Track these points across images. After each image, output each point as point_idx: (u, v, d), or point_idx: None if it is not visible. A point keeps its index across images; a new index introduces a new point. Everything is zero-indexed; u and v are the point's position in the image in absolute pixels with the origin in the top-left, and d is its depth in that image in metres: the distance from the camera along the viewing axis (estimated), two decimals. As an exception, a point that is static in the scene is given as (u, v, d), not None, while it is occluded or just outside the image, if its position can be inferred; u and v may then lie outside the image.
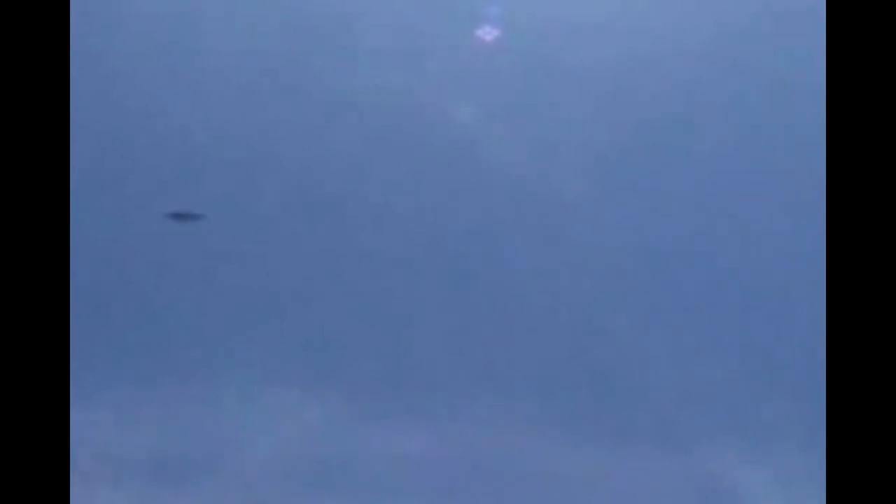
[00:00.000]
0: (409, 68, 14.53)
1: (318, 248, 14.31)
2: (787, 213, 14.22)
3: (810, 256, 12.92)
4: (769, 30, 14.53)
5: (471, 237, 14.40)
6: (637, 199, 14.48)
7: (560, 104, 14.63)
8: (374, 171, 14.48)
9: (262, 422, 13.63)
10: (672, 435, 13.48)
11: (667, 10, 14.65)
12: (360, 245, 14.27)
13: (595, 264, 14.24)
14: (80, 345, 10.36)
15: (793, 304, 13.88)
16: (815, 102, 11.11)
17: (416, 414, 13.53)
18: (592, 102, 14.61)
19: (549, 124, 14.60)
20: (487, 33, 14.63)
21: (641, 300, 14.13)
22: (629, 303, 14.11)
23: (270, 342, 13.96)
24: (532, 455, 13.39)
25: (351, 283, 14.18)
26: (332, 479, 13.38)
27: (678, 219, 14.43)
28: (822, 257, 8.91)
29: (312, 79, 14.61)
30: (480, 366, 13.88)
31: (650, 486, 13.38)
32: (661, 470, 13.35)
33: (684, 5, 14.68)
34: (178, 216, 13.80)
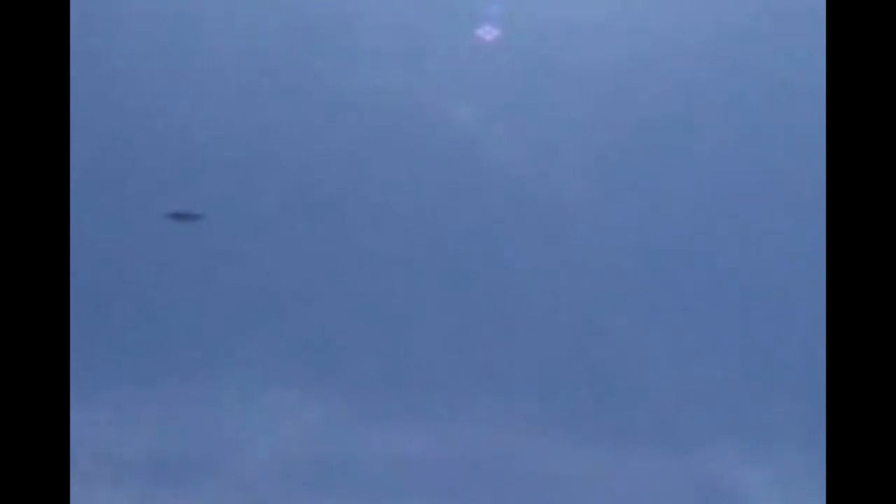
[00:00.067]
0: (409, 68, 14.53)
1: (318, 248, 14.31)
2: (787, 213, 14.22)
3: (810, 256, 12.92)
4: (769, 30, 14.53)
5: (471, 237, 14.40)
6: (637, 199, 14.48)
7: (560, 104, 14.63)
8: (374, 171, 14.48)
9: (262, 422, 13.63)
10: (672, 435, 13.48)
11: (667, 10, 14.65)
12: (360, 245, 14.26)
13: (595, 264, 14.24)
14: (80, 345, 10.36)
15: (793, 304, 13.88)
16: (815, 102, 11.11)
17: (416, 414, 13.53)
18: (592, 102, 14.61)
19: (549, 124, 14.60)
20: (487, 33, 14.63)
21: (641, 300, 14.13)
22: (629, 303, 14.11)
23: (270, 342, 13.96)
24: (532, 455, 13.39)
25: (351, 283, 14.18)
26: (332, 479, 13.38)
27: (678, 219, 14.43)
28: (822, 257, 8.90)
29: (312, 79, 14.61)
30: (480, 366, 13.88)
31: (650, 487, 13.38)
32: (661, 470, 13.35)
33: (684, 5, 14.68)
34: (178, 216, 13.80)
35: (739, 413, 13.61)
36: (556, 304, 14.17)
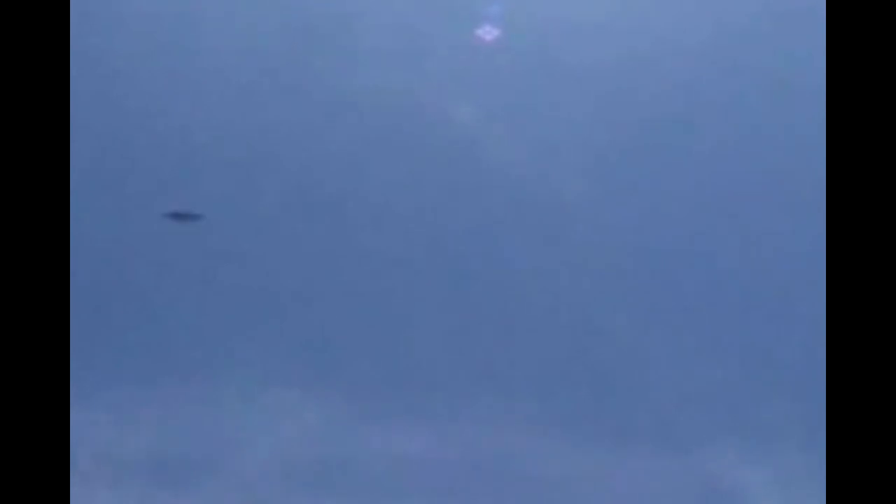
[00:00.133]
0: (409, 68, 14.53)
1: (318, 248, 14.31)
2: (787, 213, 14.22)
3: (810, 256, 12.92)
4: (769, 30, 14.53)
5: (471, 237, 14.40)
6: (637, 199, 14.48)
7: (560, 104, 14.63)
8: (375, 170, 14.48)
9: (262, 422, 13.63)
10: (673, 435, 13.48)
11: (667, 11, 14.66)
12: (360, 245, 14.27)
13: (595, 264, 14.24)
14: (80, 345, 10.36)
15: (793, 305, 13.88)
16: (815, 102, 11.11)
17: (416, 414, 13.53)
18: (592, 103, 14.61)
19: (548, 124, 14.60)
20: (487, 33, 14.63)
21: (641, 300, 14.13)
22: (629, 303, 14.11)
23: (270, 342, 13.96)
24: (532, 455, 13.39)
25: (351, 283, 14.18)
26: (332, 479, 13.38)
27: (678, 219, 14.43)
28: (822, 257, 8.90)
29: (312, 79, 14.61)
30: (480, 366, 13.88)
31: (651, 487, 13.38)
32: (661, 470, 13.35)
33: (684, 5, 14.68)
34: (178, 216, 13.80)
35: (739, 413, 13.61)
36: (556, 304, 14.17)
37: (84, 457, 12.86)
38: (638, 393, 13.77)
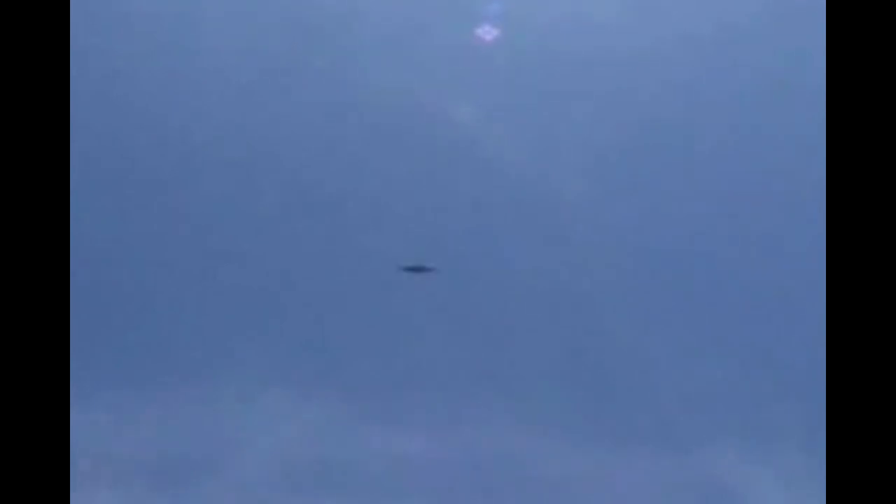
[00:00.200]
0: (409, 68, 14.53)
1: (318, 248, 14.31)
2: (787, 213, 14.21)
3: (810, 256, 12.91)
4: (769, 30, 14.53)
5: (471, 237, 14.39)
6: (637, 199, 14.48)
7: (559, 104, 14.63)
8: (375, 170, 14.48)
9: (262, 422, 13.63)
10: (674, 435, 13.48)
11: (667, 11, 14.65)
12: (360, 245, 14.26)
13: (595, 264, 14.23)
14: (80, 345, 10.36)
15: (793, 305, 13.87)
16: (815, 102, 11.11)
17: (416, 415, 13.52)
18: (592, 102, 14.61)
19: (548, 124, 14.60)
20: (487, 32, 14.63)
21: (642, 300, 14.13)
22: (629, 303, 14.10)
23: (270, 342, 13.95)
24: (533, 455, 13.39)
25: (351, 284, 14.17)
26: (332, 479, 13.38)
27: (678, 219, 14.43)
28: (822, 257, 8.90)
29: (312, 79, 14.61)
30: (480, 366, 13.87)
31: (652, 487, 13.37)
32: (662, 470, 13.34)
33: (685, 5, 14.68)
34: (414, 269, 13.76)
35: (740, 413, 13.61)
36: (556, 304, 14.16)
37: (84, 458, 12.86)
38: (639, 393, 13.77)
